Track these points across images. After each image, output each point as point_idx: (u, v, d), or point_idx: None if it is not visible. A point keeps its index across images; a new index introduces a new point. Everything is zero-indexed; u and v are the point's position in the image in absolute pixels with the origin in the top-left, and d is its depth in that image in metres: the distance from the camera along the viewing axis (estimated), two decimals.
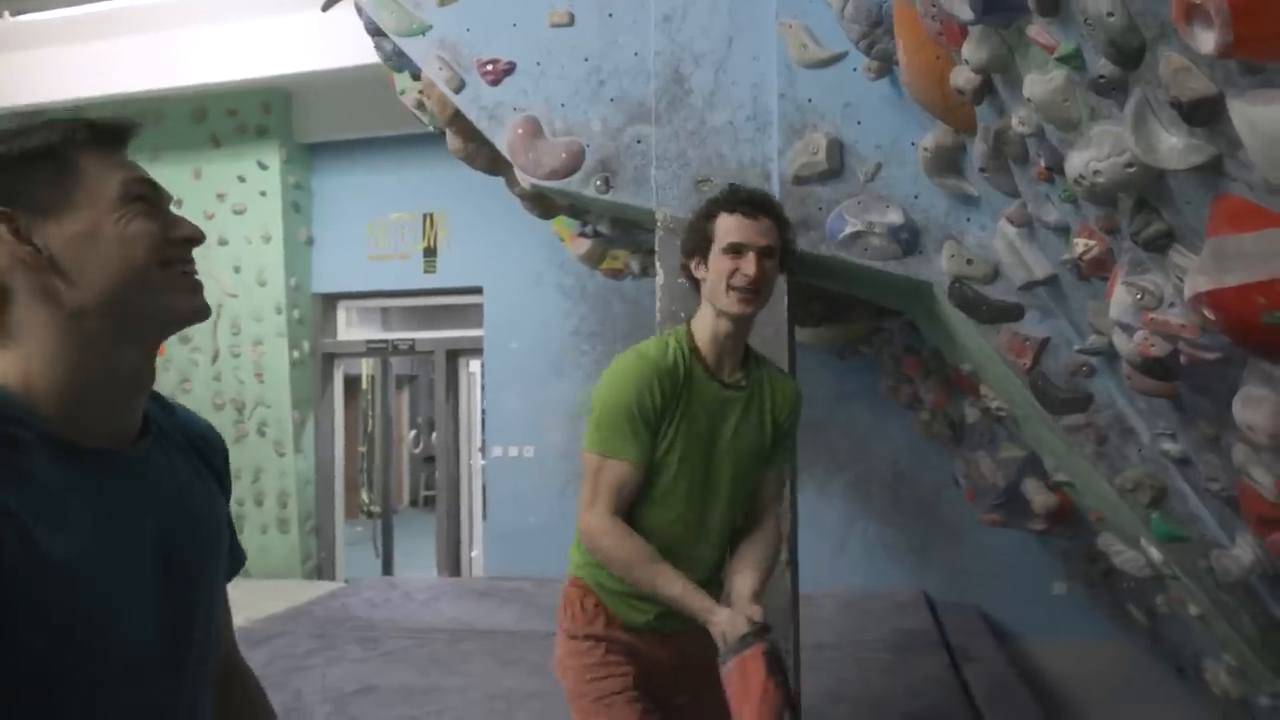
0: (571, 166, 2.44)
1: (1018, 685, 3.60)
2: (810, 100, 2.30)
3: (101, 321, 0.77)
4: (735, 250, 1.54)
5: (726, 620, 1.48)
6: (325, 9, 3.76)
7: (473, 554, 5.88)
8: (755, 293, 1.55)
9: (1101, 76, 1.22)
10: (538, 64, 2.52)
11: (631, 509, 1.58)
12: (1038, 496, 2.71)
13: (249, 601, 4.68)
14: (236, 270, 5.66)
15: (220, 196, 5.65)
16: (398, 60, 3.21)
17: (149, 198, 0.80)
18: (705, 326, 1.60)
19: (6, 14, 4.24)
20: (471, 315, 5.89)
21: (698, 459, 1.58)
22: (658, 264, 2.40)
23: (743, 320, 1.59)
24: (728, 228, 1.56)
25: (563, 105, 2.50)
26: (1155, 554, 2.17)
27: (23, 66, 5.13)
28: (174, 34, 5.08)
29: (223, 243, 5.67)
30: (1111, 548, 2.50)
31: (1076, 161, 1.36)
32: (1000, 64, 1.50)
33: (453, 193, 5.53)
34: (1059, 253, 1.88)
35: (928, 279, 2.23)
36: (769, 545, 1.70)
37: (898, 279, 2.27)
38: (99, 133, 0.80)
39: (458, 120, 2.70)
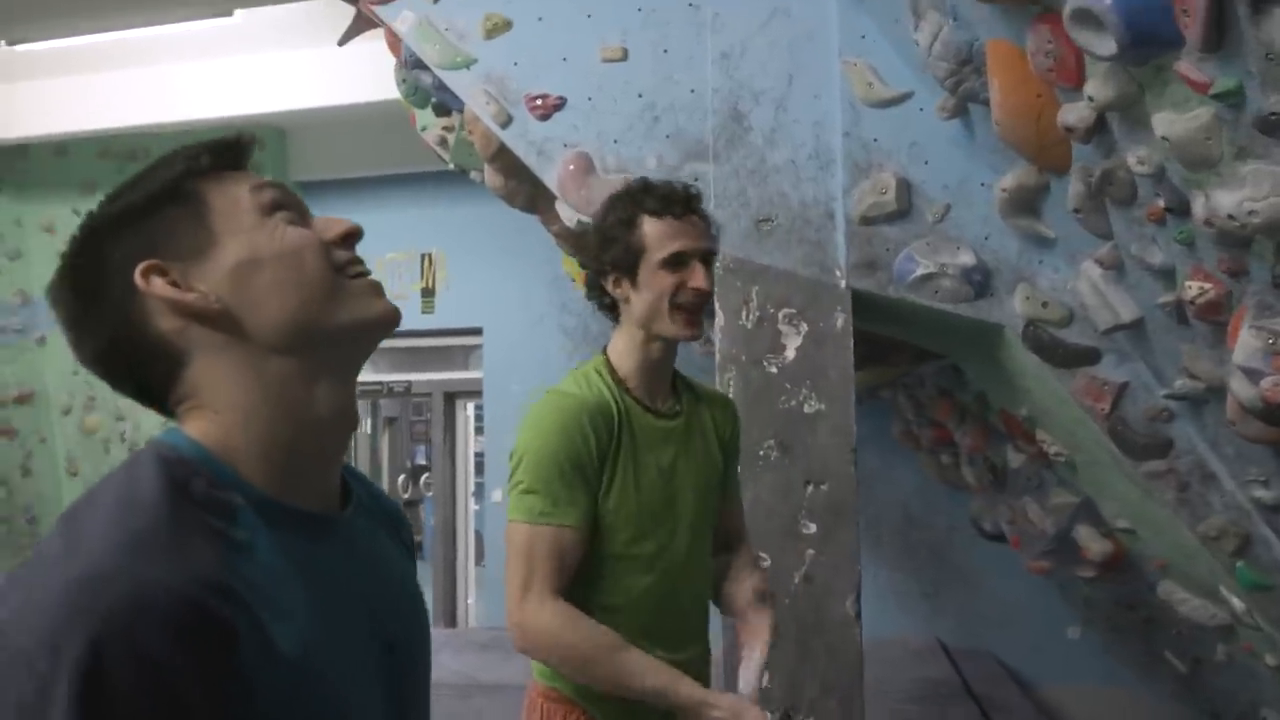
0: None
1: None
2: (876, 140, 2.26)
3: (292, 360, 0.66)
4: (678, 261, 1.30)
5: (730, 711, 1.22)
6: (342, 43, 3.67)
7: (469, 602, 5.69)
8: (703, 308, 1.33)
9: (1273, 114, 1.18)
10: (589, 99, 2.46)
11: (578, 593, 1.29)
12: (1093, 544, 2.66)
13: None
14: None
15: None
16: (425, 94, 3.14)
17: (286, 204, 0.70)
18: (631, 354, 1.36)
19: (3, 43, 4.09)
20: (460, 357, 5.77)
21: (658, 510, 1.33)
22: (717, 306, 2.32)
23: (678, 344, 1.36)
24: (662, 235, 1.30)
25: (615, 142, 2.43)
26: (1237, 603, 2.12)
27: (20, 98, 4.98)
28: (166, 68, 4.96)
29: None
30: (1174, 595, 2.44)
31: (1226, 201, 1.31)
32: (1127, 101, 1.47)
33: (452, 233, 5.45)
34: (1152, 295, 1.84)
35: (1000, 321, 2.18)
36: (753, 558, 1.52)
37: (967, 322, 2.22)
38: (218, 155, 0.70)
39: (501, 156, 2.62)
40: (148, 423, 5.57)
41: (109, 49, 4.56)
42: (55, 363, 5.56)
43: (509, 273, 5.27)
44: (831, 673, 2.19)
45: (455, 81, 2.54)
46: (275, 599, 0.59)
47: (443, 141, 3.42)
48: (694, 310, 1.32)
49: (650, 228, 1.32)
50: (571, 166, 2.41)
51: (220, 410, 0.65)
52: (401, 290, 5.66)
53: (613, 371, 1.37)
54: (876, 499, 4.90)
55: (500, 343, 5.43)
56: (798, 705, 2.18)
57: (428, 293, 5.65)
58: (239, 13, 3.82)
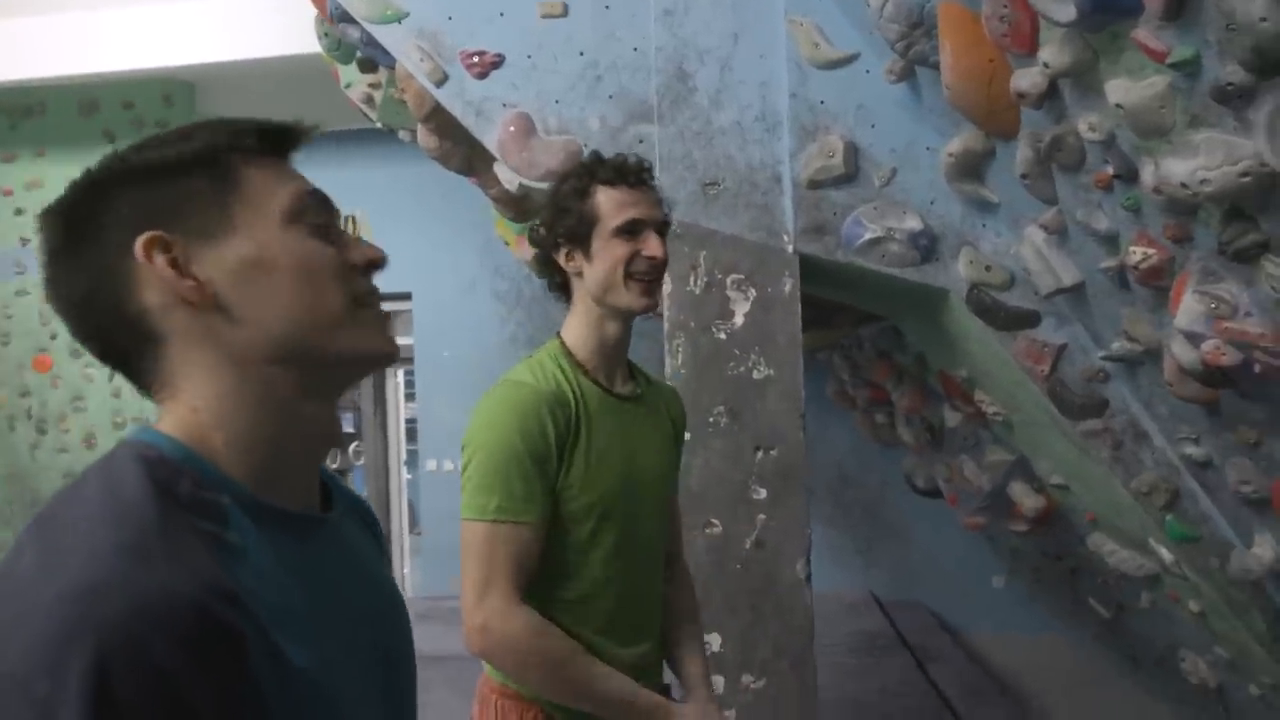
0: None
1: (985, 682, 3.66)
2: (823, 102, 2.24)
3: (275, 369, 0.61)
4: (631, 230, 1.27)
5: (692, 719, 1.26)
6: None
7: (405, 572, 5.61)
8: (659, 278, 1.30)
9: (1229, 84, 1.19)
10: (528, 57, 2.36)
11: (540, 588, 1.25)
12: (1026, 500, 2.74)
13: None
14: None
15: None
16: (350, 49, 2.99)
17: (321, 215, 0.64)
18: (587, 333, 1.32)
19: None
20: (397, 322, 5.61)
21: (619, 498, 1.29)
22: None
23: (634, 316, 1.32)
24: (617, 203, 1.27)
25: (557, 102, 2.35)
26: (1165, 554, 2.21)
27: None
28: (62, 17, 4.62)
29: None
30: (1103, 547, 2.54)
31: (1179, 170, 1.33)
32: (1081, 68, 1.47)
33: (375, 194, 5.25)
34: (1094, 260, 1.88)
35: (944, 285, 2.20)
36: (694, 601, 1.53)
37: (913, 286, 2.24)
38: (267, 137, 0.63)
39: (436, 116, 2.51)
40: (55, 399, 5.28)
41: None
42: None
43: (438, 236, 5.13)
44: (783, 635, 2.21)
45: (385, 36, 2.42)
46: (275, 608, 0.54)
47: (369, 99, 3.27)
48: (649, 279, 1.29)
49: (604, 196, 1.29)
50: (512, 128, 2.33)
51: (199, 404, 0.60)
52: None
53: (569, 355, 1.32)
54: (813, 459, 4.94)
55: (430, 308, 5.29)
56: (749, 668, 2.20)
57: None
58: None
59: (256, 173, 0.62)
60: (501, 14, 2.37)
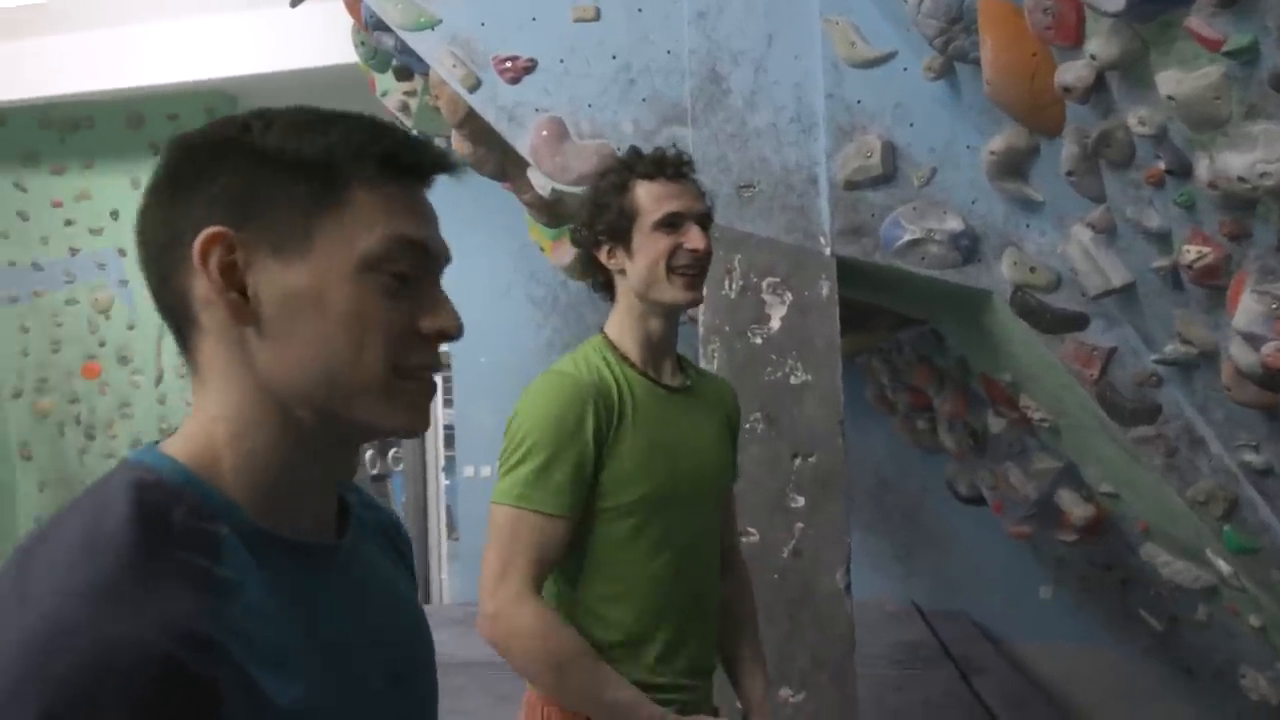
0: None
1: (1031, 693, 3.56)
2: (859, 101, 2.19)
3: (297, 403, 0.57)
4: (672, 223, 1.25)
5: None
6: (295, 4, 3.51)
7: (443, 578, 5.63)
8: (703, 271, 1.28)
9: None
10: (561, 61, 2.35)
11: (581, 582, 1.23)
12: (1075, 508, 2.66)
13: None
14: None
15: None
16: (385, 58, 3.01)
17: (407, 267, 0.58)
18: (632, 329, 1.29)
19: None
20: None
21: (667, 492, 1.26)
22: None
23: (679, 312, 1.30)
24: (656, 197, 1.25)
25: (590, 106, 2.34)
26: (1223, 565, 2.12)
27: None
28: (109, 32, 4.71)
29: None
30: (1157, 558, 2.45)
31: (1236, 163, 1.27)
32: (1130, 59, 1.41)
33: None
34: (1145, 259, 1.81)
35: (987, 287, 2.14)
36: (752, 604, 1.48)
37: (954, 288, 2.18)
38: (392, 159, 0.57)
39: (469, 122, 2.51)
40: (103, 406, 5.39)
41: (50, 11, 4.32)
42: (1, 345, 5.37)
43: (473, 242, 5.12)
44: (822, 646, 2.16)
45: (419, 43, 2.42)
46: (267, 645, 0.51)
47: (404, 107, 3.29)
48: (693, 273, 1.26)
49: (643, 190, 1.27)
50: (544, 132, 2.31)
51: (217, 412, 0.57)
52: None
53: (614, 349, 1.30)
54: (852, 465, 4.84)
55: (466, 314, 5.11)
56: (788, 680, 2.15)
57: None
58: None
59: (367, 198, 0.57)
60: (534, 19, 2.36)
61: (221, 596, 0.51)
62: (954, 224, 2.11)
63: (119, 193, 5.25)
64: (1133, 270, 1.88)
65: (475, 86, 2.37)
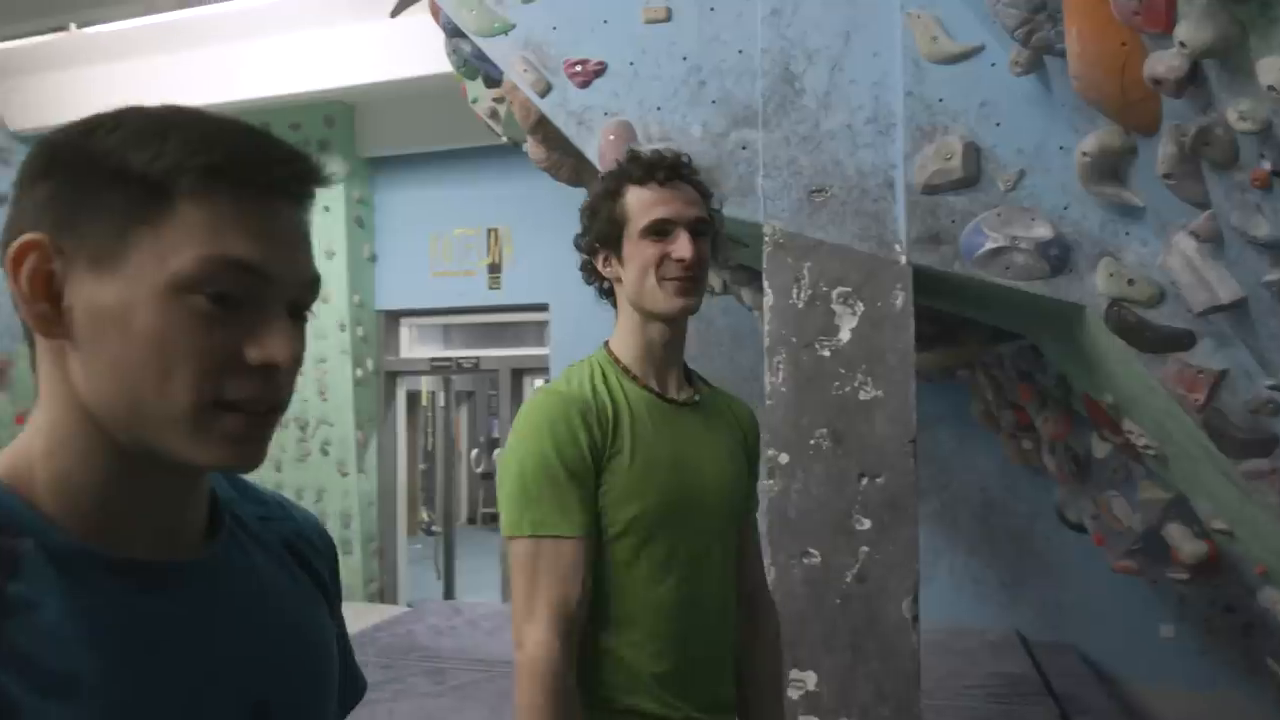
0: None
1: None
2: (941, 100, 2.06)
3: (108, 425, 0.53)
4: (660, 230, 1.19)
5: None
6: (395, 14, 3.61)
7: None
8: (694, 279, 1.20)
9: None
10: (631, 64, 2.31)
11: (588, 606, 1.18)
12: (1185, 545, 2.41)
13: None
14: None
15: None
16: (474, 65, 3.04)
17: (237, 291, 0.53)
18: (631, 340, 1.24)
19: (73, 26, 4.17)
20: (533, 332, 5.73)
21: (668, 511, 1.20)
22: (765, 283, 2.17)
23: (679, 320, 1.23)
24: (645, 203, 1.20)
25: (658, 109, 2.29)
26: None
27: (87, 81, 5.10)
28: (236, 46, 5.00)
29: None
30: (1278, 605, 2.19)
31: None
32: (1226, 46, 1.25)
33: (517, 207, 5.38)
34: (1256, 272, 1.61)
35: (1079, 301, 1.96)
36: (777, 648, 1.37)
37: (1042, 301, 2.01)
38: (219, 171, 0.52)
39: (542, 127, 2.51)
40: None
41: (173, 30, 4.62)
42: None
43: (573, 248, 5.18)
44: (885, 679, 2.04)
45: (493, 49, 2.43)
46: (49, 670, 0.49)
47: (494, 114, 3.32)
48: (682, 279, 1.19)
49: (633, 196, 1.21)
50: (612, 136, 2.28)
51: (36, 427, 0.55)
52: (470, 265, 5.65)
53: (615, 362, 1.24)
54: (954, 482, 4.66)
55: (566, 319, 5.34)
56: (848, 711, 2.04)
57: (494, 268, 5.62)
58: None
59: (193, 212, 0.52)
60: (605, 21, 2.33)
61: (6, 615, 0.48)
62: (1042, 231, 1.95)
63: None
64: (1244, 284, 1.68)
65: (546, 91, 2.36)
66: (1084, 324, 2.02)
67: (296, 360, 0.54)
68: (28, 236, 0.53)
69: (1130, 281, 1.90)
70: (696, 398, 1.29)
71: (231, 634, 0.58)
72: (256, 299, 0.54)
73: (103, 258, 0.52)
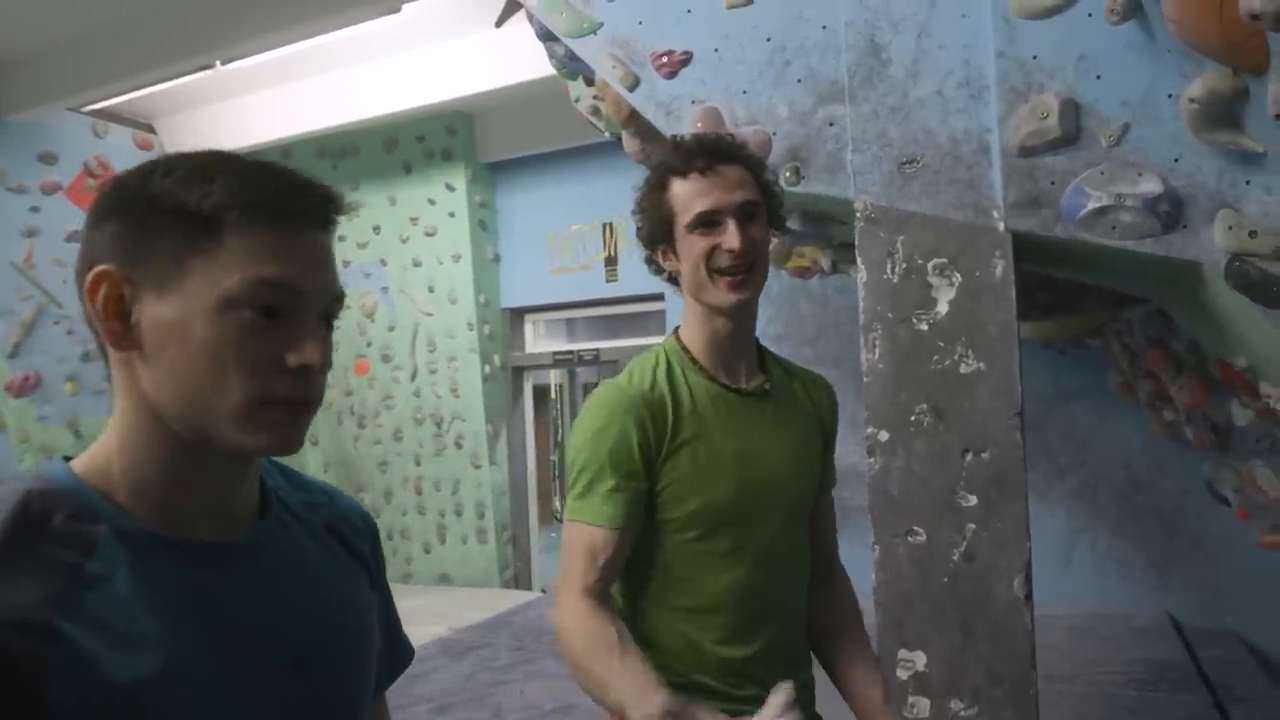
0: None
1: None
2: (1035, 57, 1.97)
3: (173, 421, 0.64)
4: (706, 222, 1.17)
5: None
6: (499, 24, 3.75)
7: None
8: (748, 270, 1.18)
9: None
10: (715, 50, 2.33)
11: (659, 595, 1.21)
12: None
13: (452, 610, 4.81)
14: (430, 290, 5.87)
15: (413, 220, 5.88)
16: (571, 66, 3.13)
17: (279, 305, 0.64)
18: (698, 330, 1.24)
19: (219, 64, 4.55)
20: (651, 321, 5.81)
21: (733, 503, 1.21)
22: (858, 259, 2.14)
23: (742, 311, 1.22)
24: (687, 195, 1.18)
25: (744, 92, 2.29)
26: None
27: (235, 111, 5.55)
28: (358, 68, 5.31)
29: (416, 264, 5.91)
30: None
31: None
32: None
33: (629, 200, 5.39)
34: None
35: (1195, 258, 1.84)
36: (858, 616, 1.34)
37: (1154, 260, 1.90)
38: (259, 208, 0.63)
39: (634, 120, 2.56)
40: (371, 398, 6.07)
41: (303, 60, 4.95)
42: None
43: None
44: (998, 660, 1.98)
45: (583, 48, 2.50)
46: (121, 630, 0.59)
47: (595, 111, 3.40)
48: (735, 271, 1.18)
49: (677, 189, 1.21)
50: (699, 124, 2.31)
51: (113, 428, 0.66)
52: (587, 260, 5.80)
53: (684, 351, 1.26)
54: (1094, 458, 4.43)
55: (680, 308, 5.39)
56: (959, 693, 2.00)
57: (610, 261, 5.74)
58: (406, 7, 3.99)
59: (237, 242, 0.62)
60: (689, 10, 2.36)
61: (86, 586, 0.59)
62: (1151, 186, 1.84)
63: (380, 210, 5.91)
64: None
65: (634, 85, 2.41)
66: (1203, 282, 1.90)
67: (326, 363, 0.65)
68: (101, 267, 0.64)
69: (1252, 234, 1.77)
70: (767, 385, 1.28)
71: (273, 601, 0.67)
72: (293, 311, 0.64)
73: (164, 281, 0.63)
